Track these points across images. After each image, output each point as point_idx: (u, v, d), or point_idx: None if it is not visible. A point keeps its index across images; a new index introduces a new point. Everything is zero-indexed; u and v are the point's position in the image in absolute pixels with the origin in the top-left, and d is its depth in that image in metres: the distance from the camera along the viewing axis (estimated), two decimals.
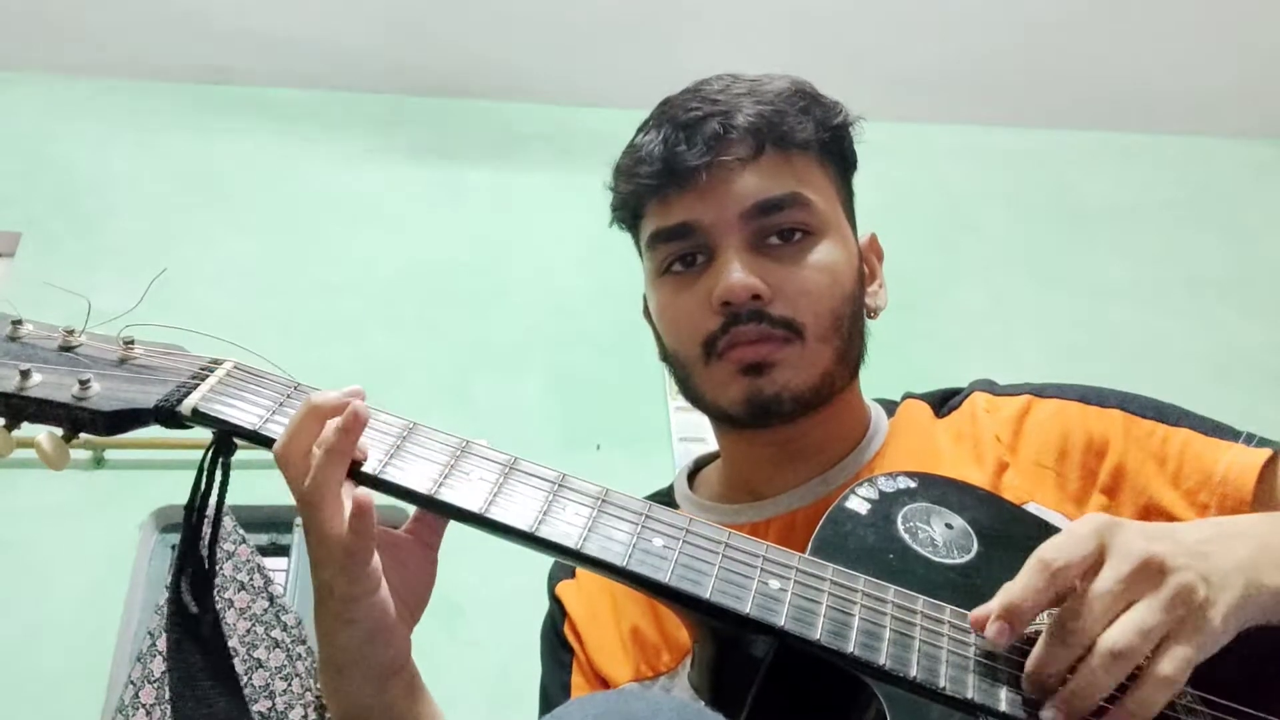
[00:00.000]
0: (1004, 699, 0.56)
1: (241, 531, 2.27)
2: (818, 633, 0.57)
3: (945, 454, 0.81)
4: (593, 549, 0.60)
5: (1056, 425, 0.80)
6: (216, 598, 2.17)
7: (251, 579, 2.20)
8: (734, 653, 0.62)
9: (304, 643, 2.16)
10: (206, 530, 0.68)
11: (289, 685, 2.10)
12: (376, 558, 0.62)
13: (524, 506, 0.62)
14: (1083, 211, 3.34)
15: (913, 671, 0.56)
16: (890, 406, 0.90)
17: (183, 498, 0.68)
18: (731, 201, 0.78)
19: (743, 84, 0.82)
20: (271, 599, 2.20)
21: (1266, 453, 0.74)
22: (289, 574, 2.37)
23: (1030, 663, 0.56)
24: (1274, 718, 0.57)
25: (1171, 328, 3.02)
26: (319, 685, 2.16)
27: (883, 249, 0.91)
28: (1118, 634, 0.53)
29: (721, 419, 0.83)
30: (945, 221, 3.20)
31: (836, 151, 0.84)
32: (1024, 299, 3.06)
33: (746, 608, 0.58)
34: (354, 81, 3.15)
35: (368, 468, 0.63)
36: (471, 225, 2.97)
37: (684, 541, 0.61)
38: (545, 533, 0.61)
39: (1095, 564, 0.56)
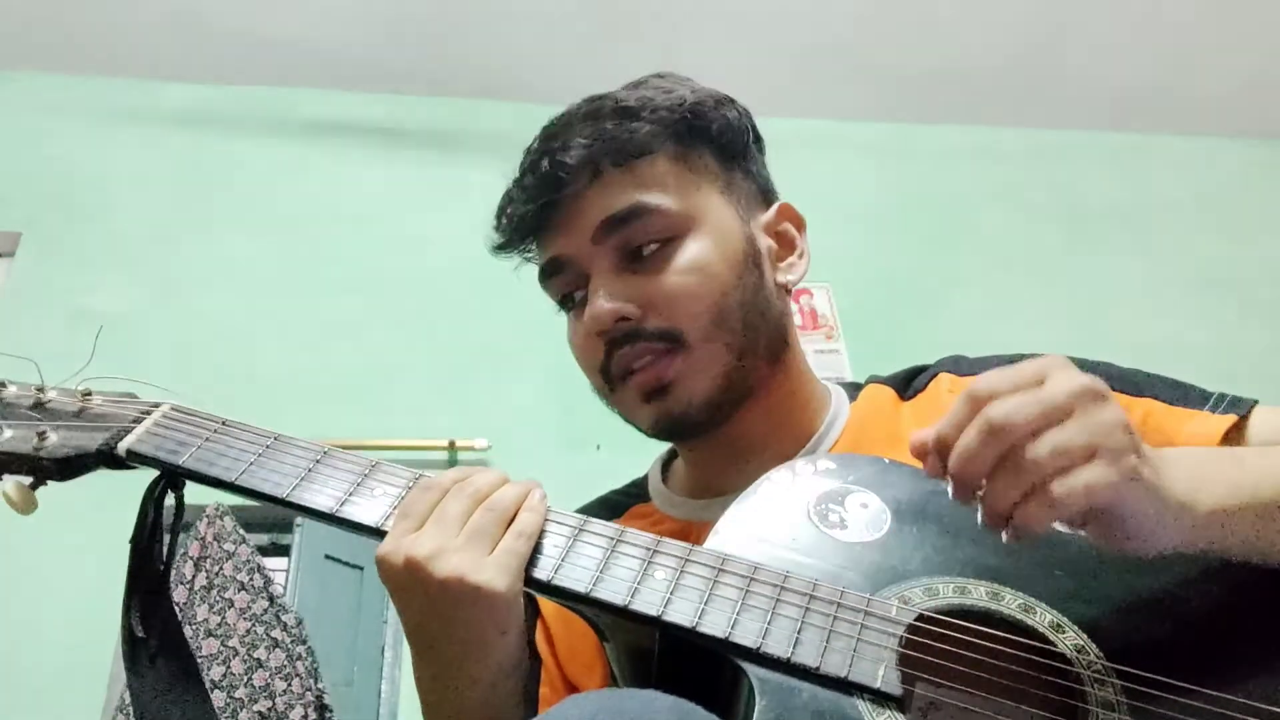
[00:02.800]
0: (880, 677, 0.54)
1: (242, 531, 2.27)
2: (693, 620, 0.57)
3: (907, 439, 0.78)
4: None
5: None
6: (216, 598, 2.17)
7: (251, 579, 2.20)
8: (633, 646, 0.62)
9: (304, 643, 2.16)
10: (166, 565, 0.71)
11: (289, 685, 2.10)
12: None
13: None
14: (1083, 211, 3.34)
15: (785, 652, 0.55)
16: (854, 390, 0.88)
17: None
18: (581, 228, 0.79)
19: (586, 106, 0.82)
20: (271, 599, 2.19)
21: (1229, 420, 0.72)
22: (289, 574, 2.36)
23: (953, 459, 0.53)
24: (1181, 683, 0.54)
25: (1172, 328, 3.01)
26: (320, 685, 2.16)
27: (801, 215, 0.87)
28: (1040, 444, 0.50)
29: (652, 438, 0.83)
30: (945, 221, 3.20)
31: (699, 136, 0.81)
32: (1024, 299, 3.05)
33: (624, 599, 0.59)
34: (354, 81, 3.15)
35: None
36: (472, 225, 2.96)
37: (575, 540, 0.63)
38: None
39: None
